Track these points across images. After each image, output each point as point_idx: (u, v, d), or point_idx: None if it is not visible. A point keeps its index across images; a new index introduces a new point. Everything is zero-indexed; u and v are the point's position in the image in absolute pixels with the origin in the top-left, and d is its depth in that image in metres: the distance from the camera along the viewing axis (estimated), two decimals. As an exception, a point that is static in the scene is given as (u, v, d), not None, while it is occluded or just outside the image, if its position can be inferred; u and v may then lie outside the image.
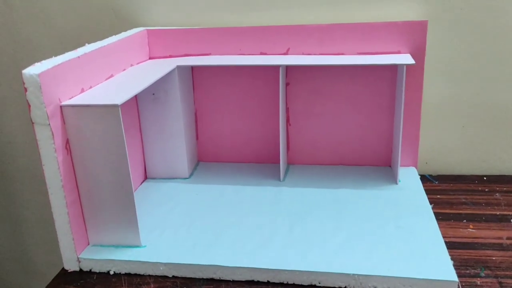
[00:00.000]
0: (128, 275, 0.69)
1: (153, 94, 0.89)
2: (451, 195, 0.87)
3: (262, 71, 0.93)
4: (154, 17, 0.97)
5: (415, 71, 0.87)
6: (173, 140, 0.91)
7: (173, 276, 0.68)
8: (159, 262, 0.68)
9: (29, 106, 0.61)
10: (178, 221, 0.78)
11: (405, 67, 0.80)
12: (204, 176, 0.94)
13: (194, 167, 0.98)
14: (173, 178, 0.94)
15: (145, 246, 0.71)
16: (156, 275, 0.68)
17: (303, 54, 0.90)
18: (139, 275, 0.69)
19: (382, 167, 0.95)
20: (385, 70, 0.89)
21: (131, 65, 0.86)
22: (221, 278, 0.67)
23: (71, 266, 0.70)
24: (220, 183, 0.91)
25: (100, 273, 0.70)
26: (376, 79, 0.90)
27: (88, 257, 0.69)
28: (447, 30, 0.89)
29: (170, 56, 0.93)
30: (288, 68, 0.92)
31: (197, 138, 1.00)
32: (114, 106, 0.63)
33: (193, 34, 0.91)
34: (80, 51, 0.71)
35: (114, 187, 0.68)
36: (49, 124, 0.62)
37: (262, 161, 0.99)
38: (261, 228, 0.75)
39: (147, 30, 0.92)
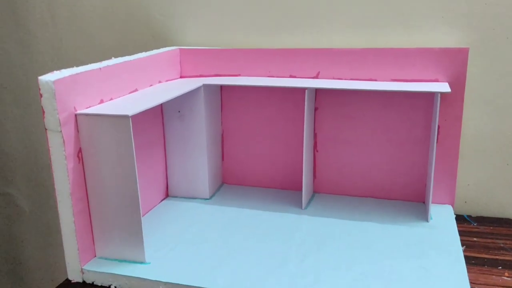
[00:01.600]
0: (129, 291, 0.67)
1: (179, 111, 0.88)
2: (489, 238, 0.79)
3: (291, 95, 0.90)
4: (189, 38, 0.98)
5: (454, 101, 0.81)
6: (196, 159, 0.90)
7: (172, 297, 0.65)
8: (160, 281, 0.65)
9: (43, 112, 0.62)
10: (188, 241, 0.75)
11: (439, 95, 0.75)
12: (225, 198, 0.92)
13: (217, 188, 0.96)
14: (194, 198, 0.92)
15: (149, 263, 0.69)
16: (155, 294, 0.66)
17: (333, 78, 0.87)
18: (139, 292, 0.67)
19: (415, 202, 0.88)
20: (420, 98, 0.84)
21: (160, 82, 0.87)
22: (221, 304, 0.63)
23: (74, 277, 0.69)
24: (239, 206, 0.88)
25: (102, 286, 0.68)
26: (410, 108, 0.85)
27: (91, 269, 0.68)
28: (491, 59, 0.83)
29: (201, 76, 0.93)
30: (318, 92, 0.89)
31: (222, 159, 0.98)
32: (125, 117, 0.63)
33: (224, 54, 0.91)
34: (103, 63, 0.72)
35: (122, 200, 0.67)
36: (61, 131, 0.62)
37: (288, 187, 0.96)
38: (271, 256, 0.70)
39: (180, 49, 0.93)
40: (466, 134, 0.86)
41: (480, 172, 0.88)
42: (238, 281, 0.64)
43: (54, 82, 0.61)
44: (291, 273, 0.66)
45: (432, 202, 0.86)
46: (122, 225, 0.68)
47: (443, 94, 0.81)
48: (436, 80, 0.81)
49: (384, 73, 0.84)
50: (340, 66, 0.85)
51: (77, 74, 0.65)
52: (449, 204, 0.86)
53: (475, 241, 0.78)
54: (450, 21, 0.83)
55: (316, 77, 0.87)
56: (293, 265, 0.68)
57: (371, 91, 0.85)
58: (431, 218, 0.81)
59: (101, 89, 0.70)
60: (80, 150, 0.66)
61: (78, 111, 0.65)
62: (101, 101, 0.70)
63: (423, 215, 0.82)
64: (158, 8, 0.98)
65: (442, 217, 0.82)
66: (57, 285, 0.69)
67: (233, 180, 0.99)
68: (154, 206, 0.89)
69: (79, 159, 0.66)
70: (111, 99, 0.73)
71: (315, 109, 0.90)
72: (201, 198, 0.92)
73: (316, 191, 0.94)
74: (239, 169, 0.98)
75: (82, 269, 0.69)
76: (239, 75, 0.91)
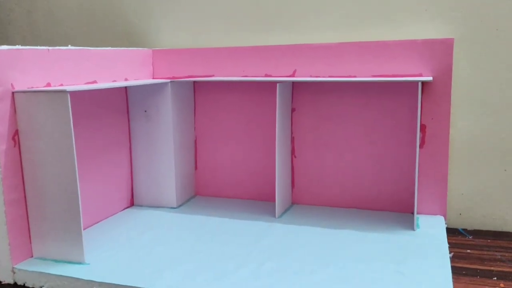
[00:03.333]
0: (60, 294, 0.59)
1: (145, 111, 0.83)
2: (485, 251, 0.69)
3: (267, 96, 0.84)
4: (165, 41, 0.94)
5: (440, 98, 0.74)
6: (162, 165, 0.83)
7: (107, 300, 0.57)
8: (94, 281, 0.57)
9: (-25, 86, 0.57)
10: (140, 245, 0.67)
11: (420, 84, 0.67)
12: (195, 208, 0.83)
13: (187, 198, 0.88)
14: (160, 207, 0.85)
15: (88, 264, 0.61)
16: (89, 297, 0.57)
17: (310, 76, 0.80)
18: (72, 295, 0.58)
19: (404, 213, 0.79)
20: (404, 94, 0.76)
21: (126, 80, 0.82)
22: (159, 308, 0.54)
23: (5, 277, 0.61)
24: (208, 215, 0.80)
25: (33, 288, 0.60)
26: (395, 107, 0.77)
27: (23, 269, 0.60)
28: (481, 53, 0.76)
29: (173, 78, 0.88)
30: (294, 92, 0.82)
31: (195, 168, 0.91)
32: (63, 92, 0.57)
33: (197, 54, 0.86)
34: (55, 47, 0.67)
35: (60, 192, 0.60)
36: (-8, 107, 0.57)
37: (267, 199, 0.87)
38: (228, 260, 0.62)
39: (153, 50, 0.89)
40: (458, 137, 0.78)
41: (475, 180, 0.78)
42: (179, 283, 0.55)
43: (-13, 52, 0.56)
44: (243, 277, 0.57)
45: (421, 213, 0.77)
46: (60, 221, 0.61)
47: (428, 90, 0.74)
48: (420, 75, 0.74)
49: (364, 69, 0.77)
50: (318, 63, 0.79)
51: (16, 50, 0.60)
52: (440, 215, 0.77)
53: (468, 253, 0.68)
54: (435, 14, 0.77)
55: (293, 75, 0.81)
56: (248, 269, 0.59)
57: (350, 83, 0.78)
58: (418, 227, 0.72)
59: (49, 72, 0.65)
60: (16, 133, 0.60)
61: (16, 89, 0.60)
62: (48, 85, 0.65)
63: (410, 225, 0.73)
64: (134, 11, 0.95)
65: (431, 227, 0.72)
66: (-16, 287, 0.61)
67: (206, 191, 0.91)
68: (115, 213, 0.82)
69: (14, 142, 0.60)
70: (61, 84, 0.68)
71: (292, 110, 0.83)
72: (168, 207, 0.84)
73: (295, 202, 0.85)
74: (212, 179, 0.90)
75: (13, 268, 0.61)
76: (212, 75, 0.86)
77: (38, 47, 0.64)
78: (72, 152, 0.58)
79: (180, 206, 0.85)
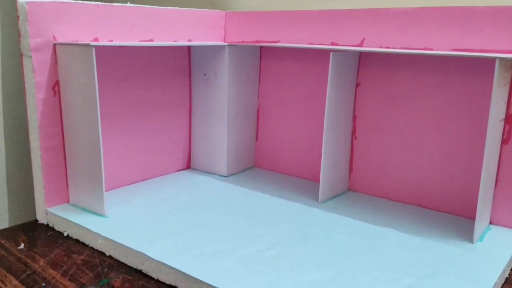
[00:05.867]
0: (76, 241, 0.61)
1: (205, 74, 0.81)
2: None
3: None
4: (241, 4, 0.90)
5: (538, 83, 0.58)
6: (217, 131, 0.81)
7: (109, 256, 0.57)
8: (100, 235, 0.58)
9: (20, 35, 0.61)
10: (165, 208, 0.66)
11: (497, 62, 0.53)
12: (243, 180, 0.80)
13: (241, 168, 0.85)
14: (212, 174, 0.83)
15: (108, 217, 0.62)
16: (96, 249, 0.59)
17: (380, 47, 0.69)
18: (83, 243, 0.60)
19: (471, 220, 0.65)
20: (491, 76, 0.61)
21: (190, 41, 0.80)
22: (147, 273, 0.53)
23: (41, 218, 0.66)
24: (251, 188, 0.76)
25: (58, 232, 0.64)
26: (477, 90, 0.63)
27: (54, 212, 0.64)
28: None
29: (242, 42, 0.84)
30: (361, 65, 0.72)
31: (256, 139, 0.87)
32: (88, 45, 0.58)
33: (264, 17, 0.80)
34: (106, 3, 0.68)
35: (86, 145, 0.62)
36: (31, 57, 0.60)
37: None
38: (235, 238, 0.57)
39: (226, 12, 0.86)
40: (561, 135, 0.60)
41: None
42: (171, 252, 0.53)
43: (27, 3, 0.59)
44: (238, 258, 0.52)
45: (497, 224, 0.63)
46: (87, 173, 0.63)
47: (520, 71, 0.58)
48: (513, 52, 0.59)
49: (443, 41, 0.64)
50: (389, 31, 0.68)
51: (61, 3, 0.62)
52: (521, 230, 0.61)
53: (540, 284, 0.53)
54: (550, -25, 0.59)
55: (361, 45, 0.71)
56: (250, 251, 0.54)
57: (424, 57, 0.66)
58: (480, 240, 0.58)
59: (97, 28, 0.67)
60: (57, 83, 0.63)
61: (58, 41, 0.62)
62: (95, 40, 0.67)
63: (472, 235, 0.60)
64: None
65: (499, 242, 0.58)
66: (26, 222, 0.67)
67: (265, 164, 0.87)
68: (169, 173, 0.83)
69: (54, 92, 0.63)
70: (111, 40, 0.69)
71: (357, 85, 0.73)
72: (218, 175, 0.82)
73: (351, 188, 0.76)
74: (271, 152, 0.86)
75: (46, 210, 0.65)
76: (279, 41, 0.80)
77: (87, 2, 0.65)
78: (95, 107, 0.59)
79: (231, 175, 0.82)
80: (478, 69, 0.62)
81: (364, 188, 0.75)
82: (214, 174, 0.83)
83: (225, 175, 0.82)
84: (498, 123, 0.58)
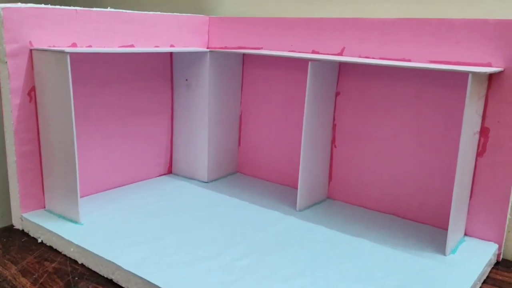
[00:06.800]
0: (50, 248, 0.61)
1: (186, 79, 0.81)
2: (535, 299, 0.53)
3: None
4: (226, 10, 0.90)
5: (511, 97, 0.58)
6: (198, 137, 0.81)
7: (81, 264, 0.57)
8: (72, 242, 0.57)
9: (-4, 40, 0.60)
10: (141, 214, 0.66)
11: (470, 76, 0.53)
12: (223, 186, 0.80)
13: (222, 173, 0.85)
14: (192, 179, 0.83)
15: (82, 224, 0.62)
16: (68, 256, 0.58)
17: (359, 56, 0.69)
18: (57, 251, 0.60)
19: (446, 231, 0.65)
20: (466, 88, 0.62)
21: (172, 46, 0.80)
22: (118, 283, 0.53)
23: (16, 223, 0.66)
24: (230, 195, 0.75)
25: (33, 238, 0.63)
26: (453, 102, 0.63)
27: (28, 218, 0.64)
28: None
29: (225, 48, 0.84)
30: (340, 75, 0.72)
31: (239, 144, 0.87)
32: (62, 52, 0.57)
33: (246, 23, 0.80)
34: (84, 9, 0.68)
35: (62, 151, 0.61)
36: (7, 62, 0.60)
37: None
38: (208, 246, 0.57)
39: (209, 17, 0.86)
40: (535, 148, 0.61)
41: (553, 207, 0.61)
42: (146, 265, 0.53)
43: (3, 9, 0.58)
44: (210, 268, 0.52)
45: (471, 235, 0.63)
46: (62, 180, 0.63)
47: (497, 85, 0.58)
48: (489, 65, 0.59)
49: (421, 52, 0.64)
50: (368, 41, 0.68)
51: (38, 8, 0.62)
52: (495, 242, 0.61)
53: (510, 298, 0.53)
54: (527, -12, 0.60)
55: (341, 53, 0.71)
56: (221, 261, 0.54)
57: (402, 68, 0.66)
58: (453, 252, 0.58)
59: (76, 33, 0.66)
60: (33, 88, 0.63)
61: (34, 47, 0.62)
62: (74, 45, 0.66)
63: (445, 247, 0.60)
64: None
65: (472, 254, 0.58)
66: (1, 227, 0.67)
67: (247, 170, 0.87)
68: (150, 178, 0.82)
69: (30, 98, 0.63)
70: (90, 46, 0.68)
71: (337, 94, 0.73)
72: (199, 181, 0.82)
73: (330, 197, 0.76)
74: (254, 158, 0.86)
75: (21, 216, 0.65)
76: (261, 48, 0.80)
77: (65, 7, 0.65)
78: (70, 113, 0.59)
79: (212, 181, 0.82)
80: (454, 81, 0.62)
81: (343, 197, 0.75)
82: (195, 179, 0.83)
83: (206, 181, 0.82)
84: (472, 136, 0.58)
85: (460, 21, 0.60)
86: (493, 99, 0.59)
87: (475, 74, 0.53)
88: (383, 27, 0.66)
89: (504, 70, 0.58)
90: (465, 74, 0.61)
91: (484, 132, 0.60)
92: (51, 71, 0.60)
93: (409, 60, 0.65)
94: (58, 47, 0.64)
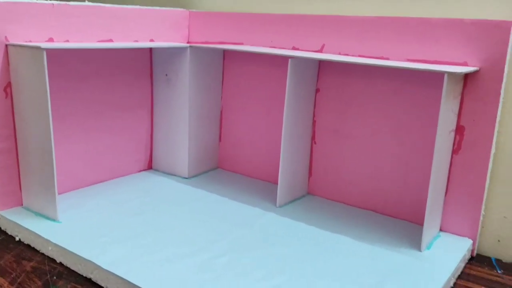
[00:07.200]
0: (28, 246, 0.60)
1: (166, 75, 0.80)
2: (506, 293, 0.55)
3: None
4: (207, 4, 0.89)
5: (487, 97, 0.59)
6: (178, 133, 0.81)
7: (59, 263, 0.56)
8: (50, 241, 0.57)
9: (-31, 36, 0.59)
10: (121, 211, 0.66)
11: (446, 76, 0.54)
12: (203, 182, 0.80)
13: (203, 169, 0.85)
14: (173, 175, 0.83)
15: (60, 222, 0.62)
16: (47, 255, 0.58)
17: (339, 53, 0.70)
18: (35, 249, 0.59)
19: (423, 226, 0.66)
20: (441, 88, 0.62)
21: (152, 41, 0.79)
22: (96, 282, 0.53)
23: (-7, 221, 0.65)
24: (210, 191, 0.76)
25: (11, 236, 0.63)
26: (429, 100, 0.64)
27: (5, 216, 0.63)
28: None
29: (206, 42, 0.84)
30: (320, 71, 0.73)
31: (220, 140, 0.87)
32: (38, 48, 0.57)
33: (228, 18, 0.80)
34: (62, 2, 0.67)
35: (38, 148, 0.61)
36: (-19, 58, 0.59)
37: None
38: (188, 244, 0.58)
39: (189, 11, 0.85)
40: (506, 144, 0.62)
41: (525, 203, 0.62)
42: (126, 264, 0.53)
43: (-24, 3, 0.57)
44: (189, 266, 0.52)
45: (447, 231, 0.64)
46: (39, 177, 0.62)
47: (473, 84, 0.59)
48: (465, 64, 0.60)
49: (399, 50, 0.65)
50: (348, 39, 0.68)
51: (13, 3, 0.60)
52: (469, 237, 0.63)
53: (482, 293, 0.55)
54: (503, -11, 0.61)
55: (320, 50, 0.72)
56: (200, 259, 0.54)
57: (376, 67, 0.67)
58: (428, 248, 0.60)
59: (53, 28, 0.65)
60: (9, 84, 0.62)
61: (10, 42, 0.61)
62: (50, 40, 0.65)
63: (421, 243, 0.61)
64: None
65: (446, 250, 0.59)
66: (-23, 225, 0.66)
67: (228, 165, 0.87)
68: (130, 174, 0.82)
69: (6, 94, 0.62)
70: (67, 40, 0.67)
71: (317, 90, 0.74)
72: (179, 176, 0.82)
73: (311, 192, 0.77)
74: (234, 153, 0.86)
75: (-1, 214, 0.64)
76: (242, 43, 0.80)
77: (41, 1, 0.64)
78: (47, 109, 0.58)
79: (192, 177, 0.82)
80: (431, 79, 0.63)
81: (322, 192, 0.76)
82: (175, 175, 0.83)
83: (186, 176, 0.82)
84: (448, 134, 0.59)
85: (437, 21, 0.61)
86: (468, 98, 0.60)
87: (450, 74, 0.54)
88: (363, 25, 0.67)
89: (479, 69, 0.59)
90: (442, 73, 0.62)
91: (459, 130, 0.61)
92: (28, 67, 0.59)
93: (387, 58, 0.66)
94: (35, 42, 0.63)
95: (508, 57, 0.57)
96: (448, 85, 0.54)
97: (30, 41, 0.63)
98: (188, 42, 0.86)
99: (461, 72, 0.53)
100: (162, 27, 0.80)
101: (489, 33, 0.57)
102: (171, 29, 0.82)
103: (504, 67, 0.57)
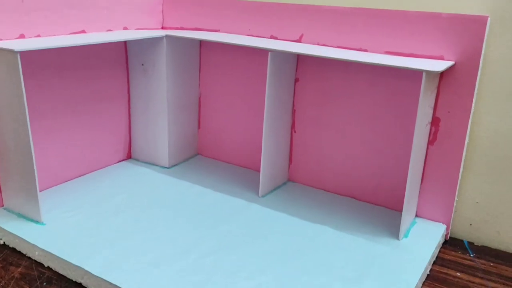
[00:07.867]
0: (13, 250, 0.60)
1: (142, 64, 0.79)
2: (477, 278, 0.58)
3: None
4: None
5: (462, 90, 0.61)
6: (157, 121, 0.80)
7: (48, 267, 0.57)
8: (36, 246, 0.57)
9: None
10: (105, 209, 0.66)
11: (424, 75, 0.55)
12: (184, 172, 0.80)
13: (184, 157, 0.85)
14: (153, 165, 0.83)
15: (44, 224, 0.62)
16: (34, 260, 0.58)
17: (318, 44, 0.70)
18: (21, 253, 0.59)
19: (399, 212, 0.69)
20: (418, 80, 0.64)
21: (125, 28, 0.77)
22: (87, 287, 0.54)
23: (-26, 223, 0.64)
24: (193, 182, 0.76)
25: (-6, 239, 0.62)
26: (406, 91, 0.65)
27: (-13, 219, 0.63)
28: (530, 37, 0.60)
29: (181, 28, 0.82)
30: (299, 61, 0.73)
31: (199, 128, 0.87)
32: (11, 52, 0.55)
33: (204, 4, 0.78)
34: (34, -5, 0.64)
35: (17, 151, 0.60)
36: (-51, 61, 0.56)
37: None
38: (174, 243, 0.59)
39: (163, -4, 0.82)
40: (481, 135, 0.65)
41: (495, 188, 0.66)
42: (114, 268, 0.54)
43: None
44: (179, 267, 0.54)
45: (422, 216, 0.67)
46: (20, 179, 0.61)
47: (448, 77, 0.61)
48: (441, 58, 0.61)
49: (376, 42, 0.65)
50: (326, 29, 0.68)
51: (-20, 0, 0.58)
52: (443, 223, 0.66)
53: (456, 278, 0.58)
54: (479, -19, 0.61)
55: (299, 40, 0.71)
56: (188, 260, 0.56)
57: (349, 62, 0.67)
58: (406, 236, 0.63)
59: (23, 23, 0.63)
60: (-19, 87, 0.60)
61: (-22, 43, 0.58)
62: (21, 36, 0.63)
63: (398, 230, 0.64)
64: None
65: (422, 236, 0.63)
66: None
67: (208, 152, 0.88)
68: (110, 164, 0.82)
69: (-21, 97, 0.60)
70: (38, 35, 0.65)
71: (296, 80, 0.74)
72: (160, 166, 0.82)
73: (291, 179, 0.79)
74: (214, 140, 0.86)
75: (-21, 216, 0.63)
76: (218, 30, 0.79)
77: (11, -3, 0.61)
78: (23, 109, 0.56)
79: (173, 166, 0.82)
80: (407, 73, 0.64)
81: (303, 179, 0.78)
82: (155, 165, 0.83)
83: (167, 166, 0.82)
84: (425, 127, 0.61)
85: (414, 14, 0.62)
86: (444, 92, 0.62)
87: (428, 72, 0.55)
88: (341, 16, 0.67)
89: (455, 63, 0.60)
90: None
91: (435, 121, 0.63)
92: (1, 68, 0.57)
93: (365, 50, 0.66)
94: (5, 39, 0.61)
95: (483, 51, 0.59)
96: (426, 83, 0.55)
97: (0, 39, 0.60)
98: (162, 28, 0.84)
99: (438, 71, 0.54)
100: (135, 14, 0.78)
101: (466, 27, 0.58)
102: (144, 15, 0.80)
103: (479, 61, 0.59)
